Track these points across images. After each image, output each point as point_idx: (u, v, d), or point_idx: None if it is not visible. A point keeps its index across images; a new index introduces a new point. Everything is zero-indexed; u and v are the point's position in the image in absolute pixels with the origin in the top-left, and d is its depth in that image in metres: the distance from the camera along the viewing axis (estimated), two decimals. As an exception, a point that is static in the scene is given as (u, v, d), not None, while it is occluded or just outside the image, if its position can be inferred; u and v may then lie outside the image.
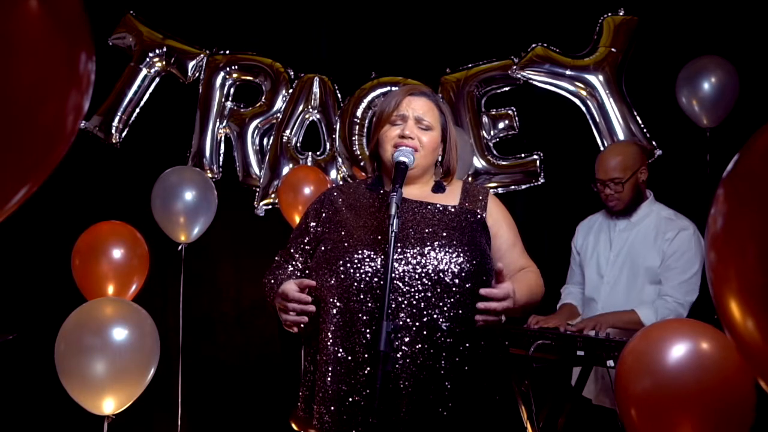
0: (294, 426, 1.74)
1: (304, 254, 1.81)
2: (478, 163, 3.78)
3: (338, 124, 4.04)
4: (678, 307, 2.57)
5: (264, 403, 3.94)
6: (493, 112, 3.87)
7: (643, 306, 2.60)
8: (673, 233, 2.64)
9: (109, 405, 2.51)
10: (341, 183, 3.83)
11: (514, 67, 3.76)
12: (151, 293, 3.41)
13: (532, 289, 1.77)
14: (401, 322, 1.60)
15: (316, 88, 4.10)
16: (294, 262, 1.82)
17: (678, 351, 1.56)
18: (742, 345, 0.91)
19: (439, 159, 1.84)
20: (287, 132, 4.06)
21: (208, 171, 4.04)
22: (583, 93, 3.61)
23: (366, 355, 1.60)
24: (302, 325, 1.69)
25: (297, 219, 3.47)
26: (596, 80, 3.57)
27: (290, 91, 4.10)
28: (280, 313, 1.70)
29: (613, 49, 3.57)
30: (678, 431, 1.51)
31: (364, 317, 1.62)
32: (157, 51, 4.10)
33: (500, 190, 3.77)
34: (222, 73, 4.13)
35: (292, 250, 1.84)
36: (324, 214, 1.82)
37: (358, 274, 1.65)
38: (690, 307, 2.62)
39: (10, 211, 0.78)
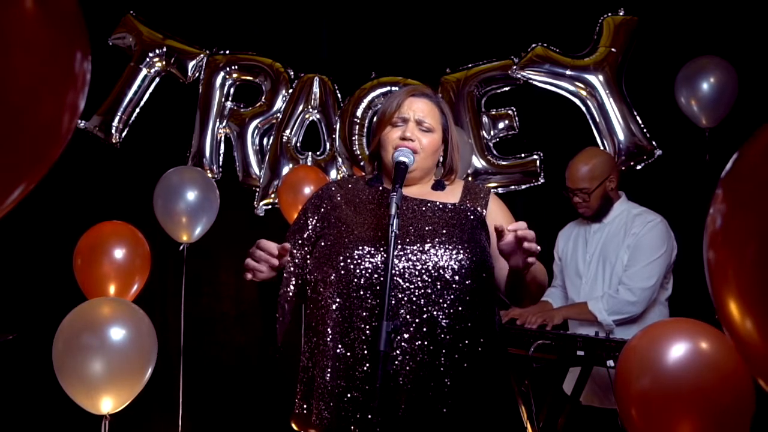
0: (294, 426, 1.73)
1: (303, 250, 1.80)
2: (478, 163, 3.78)
3: (338, 124, 4.04)
4: (627, 293, 2.63)
5: (264, 403, 3.95)
6: (493, 112, 3.87)
7: (595, 298, 2.68)
8: (640, 227, 2.72)
9: (107, 404, 2.51)
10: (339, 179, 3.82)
11: (514, 67, 3.76)
12: (152, 293, 3.41)
13: (539, 275, 1.74)
14: (401, 319, 1.59)
15: (316, 88, 4.10)
16: (292, 258, 1.80)
17: (678, 350, 1.57)
18: (740, 345, 0.91)
19: (441, 160, 1.84)
20: (287, 132, 4.06)
21: (208, 171, 4.04)
22: (583, 93, 3.61)
23: (365, 352, 1.60)
24: (259, 276, 1.66)
25: (297, 218, 3.46)
26: (596, 80, 3.57)
27: (290, 91, 4.10)
28: (247, 262, 1.65)
29: (613, 49, 3.56)
30: (678, 430, 1.52)
31: (364, 313, 1.62)
32: (157, 51, 4.10)
33: (500, 190, 3.77)
34: (222, 73, 4.13)
35: (289, 246, 1.83)
36: (323, 210, 1.81)
37: (358, 270, 1.64)
38: (653, 293, 2.66)
39: (7, 209, 0.79)
